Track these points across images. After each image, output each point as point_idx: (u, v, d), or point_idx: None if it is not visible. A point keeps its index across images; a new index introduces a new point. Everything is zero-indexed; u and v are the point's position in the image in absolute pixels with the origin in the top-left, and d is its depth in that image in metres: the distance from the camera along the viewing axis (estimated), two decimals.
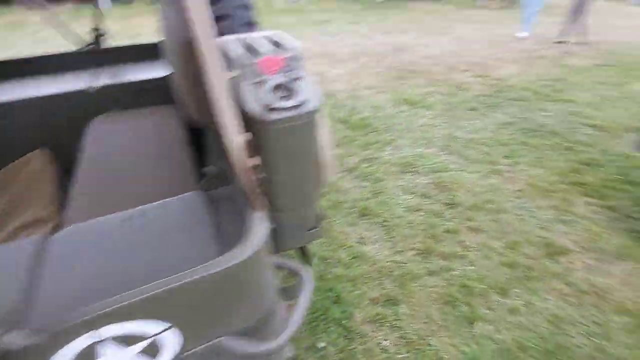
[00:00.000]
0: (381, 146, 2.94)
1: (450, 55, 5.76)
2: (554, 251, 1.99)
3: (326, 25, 7.43)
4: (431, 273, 1.79)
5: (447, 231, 2.08)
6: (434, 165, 2.70)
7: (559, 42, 6.52)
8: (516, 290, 1.75)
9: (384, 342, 1.50)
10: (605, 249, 2.03)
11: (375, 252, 1.89)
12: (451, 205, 2.30)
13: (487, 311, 1.63)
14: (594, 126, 3.50)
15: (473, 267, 1.84)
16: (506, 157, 2.90)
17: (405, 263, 1.83)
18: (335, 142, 2.92)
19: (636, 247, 2.04)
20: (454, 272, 1.80)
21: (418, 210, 2.23)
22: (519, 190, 2.48)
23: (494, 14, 9.76)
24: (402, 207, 2.24)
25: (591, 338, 1.55)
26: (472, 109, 3.76)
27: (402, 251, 1.91)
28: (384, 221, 2.10)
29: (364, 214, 2.16)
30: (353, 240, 1.95)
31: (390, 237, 2.00)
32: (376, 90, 4.15)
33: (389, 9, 10.04)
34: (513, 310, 1.64)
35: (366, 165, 2.65)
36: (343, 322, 1.55)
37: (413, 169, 2.67)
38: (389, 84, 4.35)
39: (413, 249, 1.93)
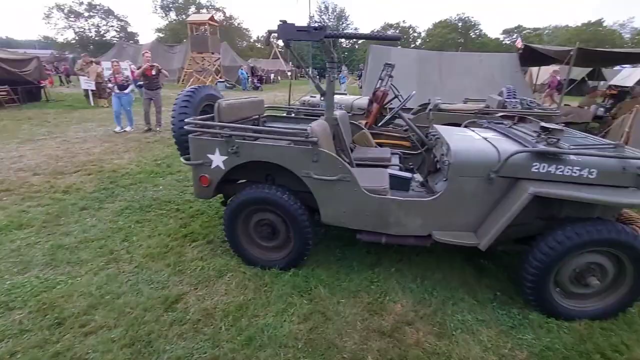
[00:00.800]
0: None
1: (56, 160, 5.32)
2: (170, 302, 2.26)
3: None
4: None
5: (56, 354, 1.82)
6: (34, 290, 2.31)
7: (156, 130, 7.86)
8: None
9: None
10: (210, 275, 2.58)
11: None
12: (60, 322, 2.05)
13: None
14: None
15: None
16: (123, 240, 3.02)
17: None
18: None
19: (232, 261, 2.75)
20: None
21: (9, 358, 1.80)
22: (136, 267, 2.65)
23: (108, 112, 10.17)
24: None
25: (206, 354, 1.89)
26: (84, 209, 3.63)
27: None
28: None
29: None
30: None
31: None
32: None
33: None
34: None
35: None
36: None
37: (3, 309, 2.14)
38: None
39: None
